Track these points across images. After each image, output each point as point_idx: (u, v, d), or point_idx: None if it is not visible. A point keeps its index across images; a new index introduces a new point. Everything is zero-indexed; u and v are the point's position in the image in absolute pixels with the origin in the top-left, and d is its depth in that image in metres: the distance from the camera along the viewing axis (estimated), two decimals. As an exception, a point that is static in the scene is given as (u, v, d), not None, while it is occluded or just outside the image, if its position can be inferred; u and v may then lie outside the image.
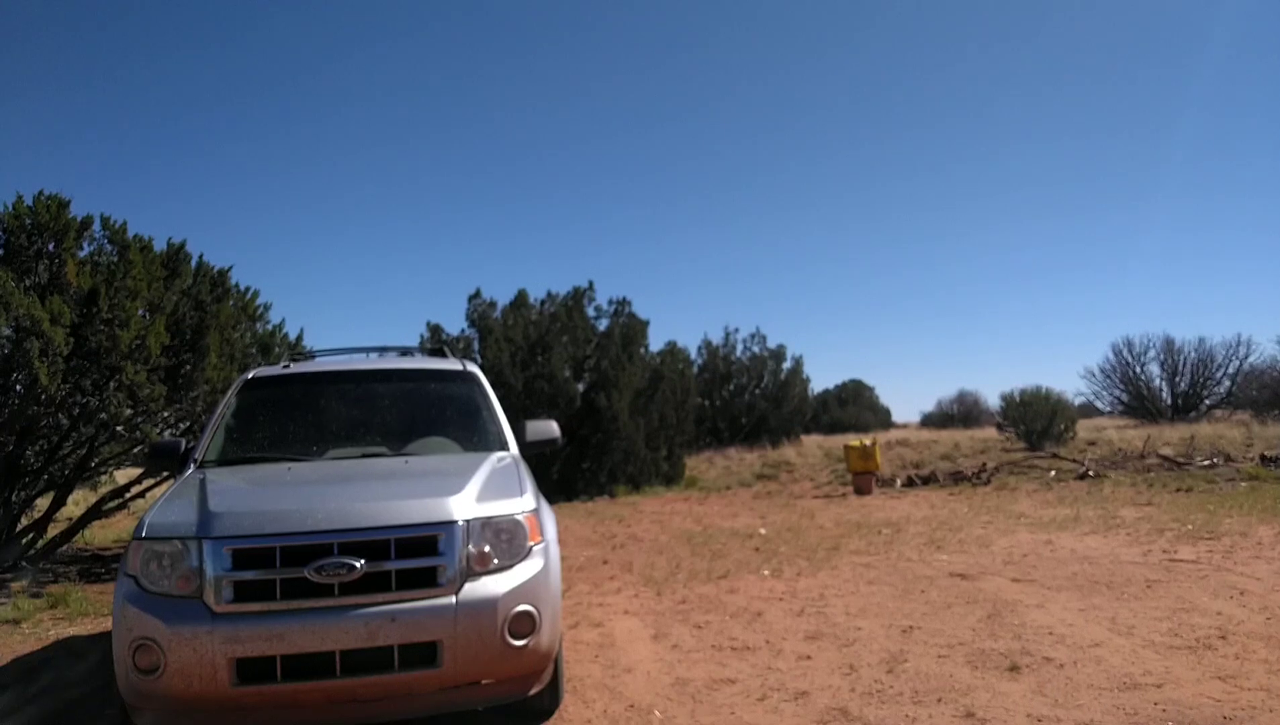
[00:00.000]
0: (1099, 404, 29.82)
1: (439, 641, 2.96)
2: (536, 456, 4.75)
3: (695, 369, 22.82)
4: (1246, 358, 26.34)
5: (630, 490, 15.37)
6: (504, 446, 4.31)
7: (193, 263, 8.84)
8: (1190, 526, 7.96)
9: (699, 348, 26.06)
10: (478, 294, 17.44)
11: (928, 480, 14.20)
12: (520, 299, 17.74)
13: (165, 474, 7.36)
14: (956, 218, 62.89)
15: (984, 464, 14.98)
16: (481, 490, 3.36)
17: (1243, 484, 11.09)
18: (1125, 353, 27.95)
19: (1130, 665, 3.95)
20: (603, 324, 17.79)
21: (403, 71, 57.45)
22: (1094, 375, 28.98)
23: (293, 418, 4.52)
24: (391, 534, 3.04)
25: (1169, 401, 26.94)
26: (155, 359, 7.33)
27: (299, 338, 10.61)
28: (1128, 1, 58.07)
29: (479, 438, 4.43)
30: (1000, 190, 63.54)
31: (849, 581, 6.23)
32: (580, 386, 16.59)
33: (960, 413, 37.65)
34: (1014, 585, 5.81)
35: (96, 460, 8.57)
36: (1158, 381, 27.73)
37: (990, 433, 20.45)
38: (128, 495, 8.71)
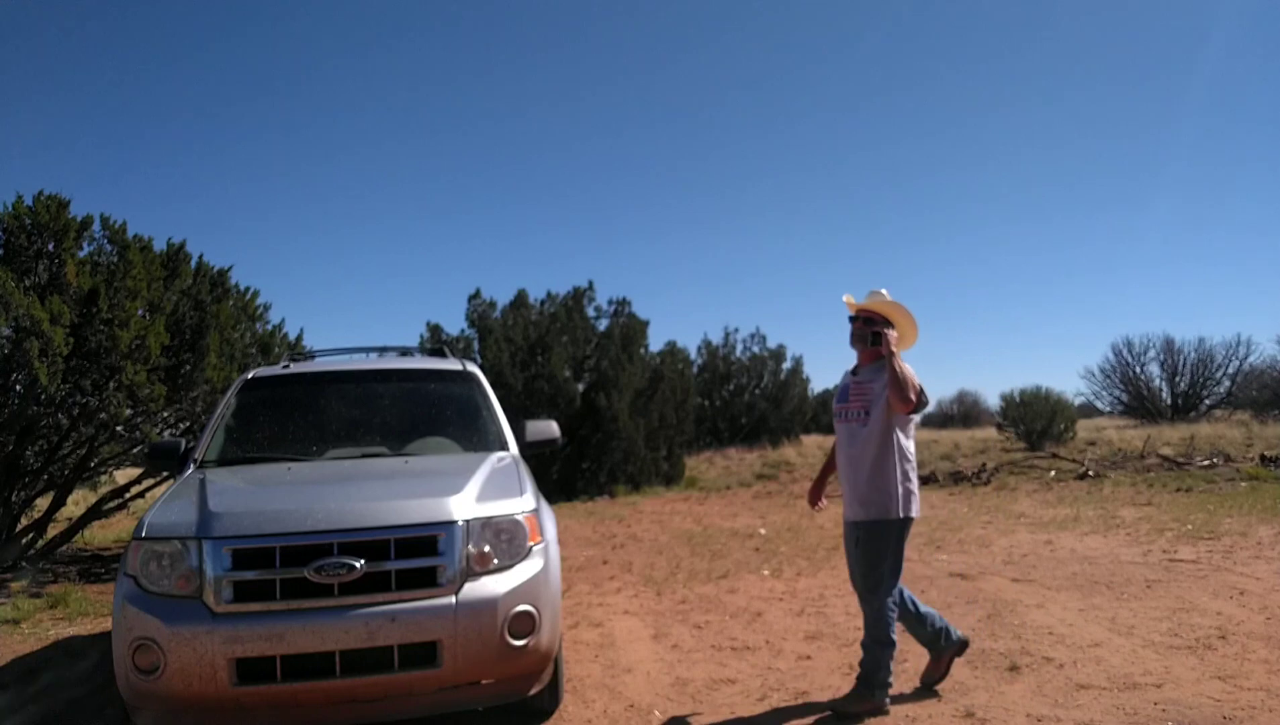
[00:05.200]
0: (1099, 404, 29.83)
1: (439, 641, 2.96)
2: (536, 456, 4.75)
3: (695, 369, 22.79)
4: (1246, 358, 26.34)
5: (630, 490, 15.36)
6: (504, 446, 4.31)
7: (193, 263, 8.84)
8: (1190, 526, 7.96)
9: (699, 348, 26.01)
10: (477, 294, 17.43)
11: (927, 480, 14.19)
12: (520, 299, 17.72)
13: (165, 474, 7.36)
14: (956, 218, 62.86)
15: (984, 464, 14.98)
16: (481, 490, 3.36)
17: (1243, 484, 11.09)
18: (1125, 353, 27.95)
19: (1130, 665, 3.96)
20: (603, 324, 17.77)
21: (402, 72, 57.46)
22: (1094, 375, 28.97)
23: (293, 418, 4.51)
24: (391, 534, 3.04)
25: (1169, 401, 26.93)
26: (155, 359, 7.33)
27: (299, 338, 10.61)
28: (1127, 3, 58.10)
29: (479, 438, 4.42)
30: (1000, 190, 63.54)
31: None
32: (580, 386, 16.57)
33: (960, 413, 37.62)
34: (1014, 585, 5.81)
35: (96, 460, 8.57)
36: (1158, 381, 27.73)
37: (990, 433, 20.44)
38: (128, 495, 8.71)
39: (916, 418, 3.66)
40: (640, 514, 11.87)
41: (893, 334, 3.54)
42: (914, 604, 3.73)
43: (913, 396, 3.44)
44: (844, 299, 3.81)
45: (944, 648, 3.70)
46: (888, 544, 3.55)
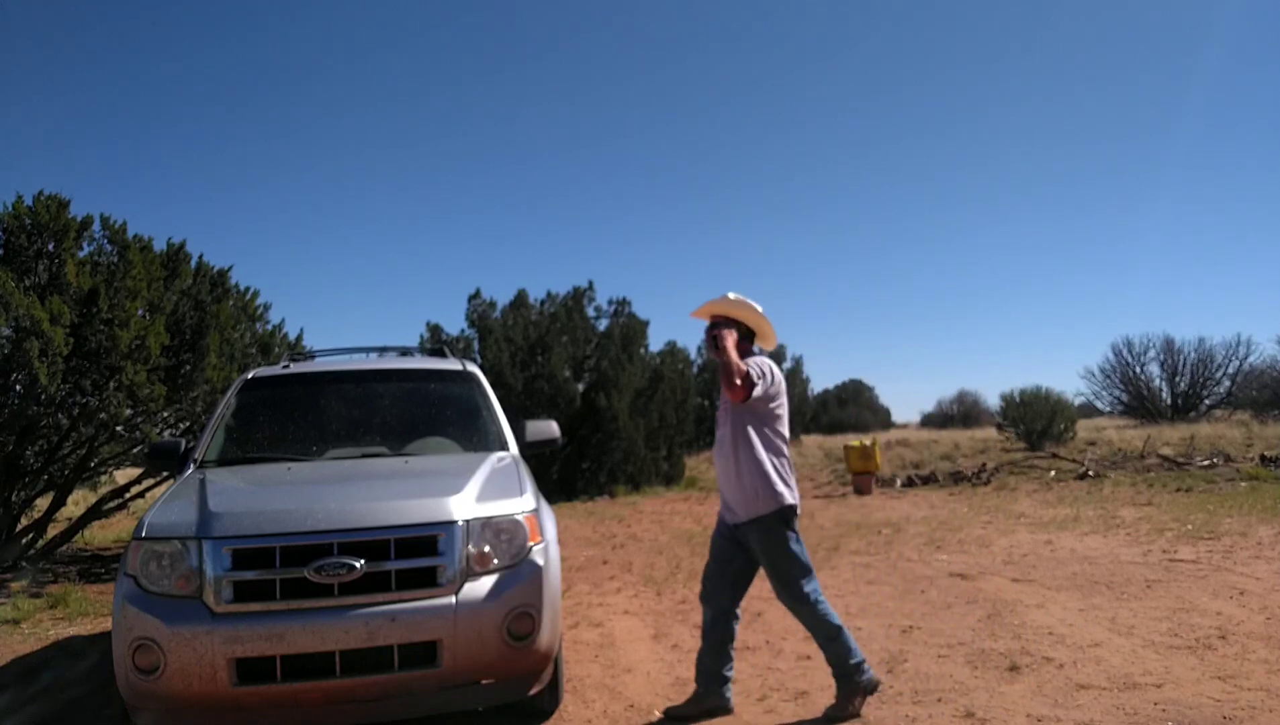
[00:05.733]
0: (1099, 404, 29.84)
1: (439, 641, 2.96)
2: (536, 456, 4.75)
3: (695, 369, 22.80)
4: (1246, 358, 26.37)
5: (630, 490, 15.36)
6: (504, 446, 4.31)
7: (192, 263, 8.84)
8: (1190, 526, 7.96)
9: (699, 348, 26.05)
10: (477, 294, 17.42)
11: (927, 480, 14.20)
12: (520, 299, 17.71)
13: (165, 474, 7.36)
14: (957, 218, 62.92)
15: (984, 464, 14.98)
16: (481, 490, 3.36)
17: (1243, 484, 11.09)
18: (1125, 353, 27.97)
19: (1130, 665, 3.96)
20: (603, 324, 17.77)
21: (403, 73, 57.49)
22: (1094, 375, 28.99)
23: (292, 418, 4.51)
24: (391, 534, 3.04)
25: (1169, 401, 26.93)
26: (155, 359, 7.33)
27: (299, 338, 10.61)
28: (1128, 4, 58.07)
29: (479, 438, 4.42)
30: (1000, 191, 63.58)
31: (849, 581, 6.23)
32: (580, 386, 16.57)
33: (960, 413, 37.67)
34: (1014, 585, 5.81)
35: (96, 460, 8.57)
36: (1158, 381, 27.75)
37: (990, 433, 20.44)
38: (128, 495, 8.71)
39: (776, 408, 3.55)
40: (640, 514, 11.87)
41: (728, 332, 3.49)
42: (729, 642, 3.63)
43: (738, 381, 3.35)
44: (691, 315, 3.78)
45: (718, 693, 3.60)
46: (784, 542, 3.49)
